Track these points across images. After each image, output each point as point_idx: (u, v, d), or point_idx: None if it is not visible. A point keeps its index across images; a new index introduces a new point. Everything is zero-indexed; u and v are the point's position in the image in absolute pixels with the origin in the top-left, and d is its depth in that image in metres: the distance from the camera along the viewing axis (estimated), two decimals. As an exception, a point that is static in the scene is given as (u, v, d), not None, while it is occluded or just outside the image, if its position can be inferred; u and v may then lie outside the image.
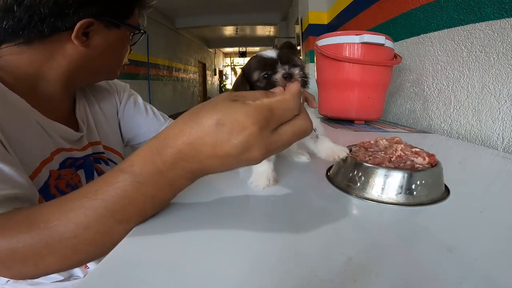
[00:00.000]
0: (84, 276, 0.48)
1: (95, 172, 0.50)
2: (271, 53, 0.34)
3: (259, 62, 0.34)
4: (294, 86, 0.26)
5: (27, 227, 0.26)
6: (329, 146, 0.37)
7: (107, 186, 0.25)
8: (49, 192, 0.41)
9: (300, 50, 3.45)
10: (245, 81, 0.35)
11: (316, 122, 0.38)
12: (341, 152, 0.36)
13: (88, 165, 0.48)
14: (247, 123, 0.23)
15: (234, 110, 0.23)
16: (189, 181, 0.27)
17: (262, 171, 0.36)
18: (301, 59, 0.36)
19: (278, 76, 0.32)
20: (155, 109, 0.67)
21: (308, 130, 0.27)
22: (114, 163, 0.56)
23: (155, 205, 0.27)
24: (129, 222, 0.26)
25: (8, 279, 0.44)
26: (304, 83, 0.33)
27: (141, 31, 0.50)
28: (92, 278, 0.21)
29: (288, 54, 0.34)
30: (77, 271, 0.48)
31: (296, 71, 0.32)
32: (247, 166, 0.28)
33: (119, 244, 0.24)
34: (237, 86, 0.36)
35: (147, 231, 0.27)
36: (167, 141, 0.25)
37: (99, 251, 0.27)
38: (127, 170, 0.25)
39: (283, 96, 0.25)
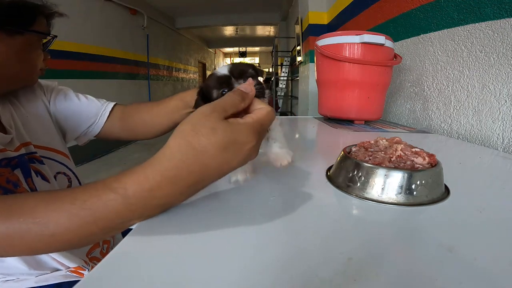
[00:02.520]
0: (66, 269, 0.50)
1: (32, 171, 0.51)
2: (224, 70, 0.35)
3: (215, 81, 0.35)
4: (266, 107, 0.30)
5: (6, 217, 0.26)
6: (274, 152, 0.37)
7: (97, 199, 0.26)
8: None
9: (300, 50, 3.45)
10: (203, 101, 0.37)
11: (275, 124, 0.39)
12: (284, 159, 0.36)
13: (24, 164, 0.49)
14: (248, 139, 0.27)
15: (235, 131, 0.26)
16: (181, 202, 0.29)
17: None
18: (258, 69, 0.38)
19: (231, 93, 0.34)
20: (89, 96, 0.67)
21: (271, 116, 0.31)
22: (51, 160, 0.57)
23: (141, 218, 0.28)
24: (111, 229, 0.27)
25: None
26: (260, 94, 0.34)
27: (49, 35, 0.53)
28: (92, 278, 0.21)
29: (240, 67, 0.35)
30: (59, 266, 0.50)
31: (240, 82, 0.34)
32: None
33: (119, 244, 0.25)
34: (197, 105, 0.38)
35: (147, 231, 0.27)
36: (168, 172, 0.25)
37: (70, 248, 0.29)
38: (119, 192, 0.25)
39: (267, 110, 0.29)
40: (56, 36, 0.55)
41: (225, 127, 0.26)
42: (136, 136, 0.70)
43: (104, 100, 0.68)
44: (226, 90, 0.34)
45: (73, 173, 0.61)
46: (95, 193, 0.26)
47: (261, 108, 0.29)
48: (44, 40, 0.54)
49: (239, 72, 0.34)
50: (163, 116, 0.66)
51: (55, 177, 0.56)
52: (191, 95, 0.61)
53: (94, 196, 0.26)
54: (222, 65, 0.39)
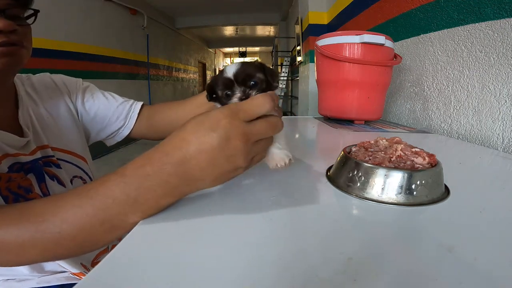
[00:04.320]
0: (69, 273, 0.50)
1: (46, 175, 0.49)
2: (231, 71, 0.35)
3: (221, 81, 0.36)
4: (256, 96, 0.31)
5: (18, 220, 0.27)
6: (272, 152, 0.37)
7: (98, 185, 0.27)
8: (0, 193, 0.41)
9: (300, 50, 3.45)
10: (210, 95, 0.38)
11: None
12: (281, 160, 0.36)
13: (37, 169, 0.48)
14: (220, 116, 0.27)
15: (211, 112, 0.28)
16: (176, 191, 0.28)
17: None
18: (268, 70, 0.37)
19: (235, 99, 0.35)
20: (115, 95, 0.66)
21: (279, 124, 0.31)
22: (68, 163, 0.55)
23: (137, 209, 0.27)
24: (111, 225, 0.27)
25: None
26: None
27: None
28: (92, 278, 0.21)
29: (247, 71, 0.35)
30: (61, 269, 0.49)
31: (253, 93, 0.34)
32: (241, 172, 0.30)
33: (119, 244, 0.24)
34: (208, 98, 0.40)
35: (147, 232, 0.27)
36: (157, 148, 0.28)
37: (78, 249, 0.29)
38: (119, 172, 0.27)
39: (252, 97, 0.30)
40: None
41: (204, 113, 0.29)
42: (163, 135, 0.69)
43: (131, 100, 0.67)
44: (228, 92, 0.35)
45: (90, 177, 0.60)
46: (100, 181, 0.28)
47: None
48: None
49: (244, 77, 0.34)
50: (189, 112, 0.64)
51: (71, 181, 0.55)
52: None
53: (99, 183, 0.27)
54: (233, 62, 0.39)
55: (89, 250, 0.30)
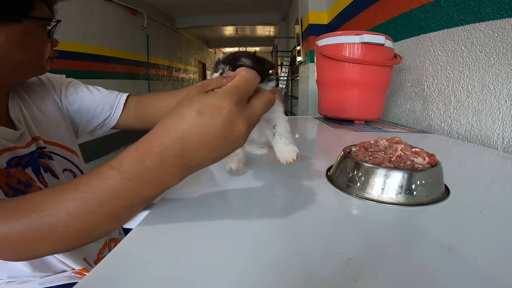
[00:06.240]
0: (72, 271, 0.50)
1: (41, 168, 0.50)
2: (223, 56, 0.41)
3: (216, 63, 0.41)
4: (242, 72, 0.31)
5: (19, 215, 0.27)
6: (280, 149, 0.39)
7: (97, 180, 0.27)
8: (1, 189, 0.42)
9: (300, 50, 3.45)
10: None
11: (281, 120, 0.41)
12: (289, 156, 0.38)
13: (34, 161, 0.49)
14: (223, 103, 0.26)
15: (209, 97, 0.27)
16: (177, 178, 0.28)
17: (234, 154, 0.41)
18: (257, 58, 0.41)
19: (215, 75, 0.39)
20: (100, 88, 0.67)
21: (272, 99, 0.31)
22: (58, 156, 0.56)
23: (142, 201, 0.28)
24: (116, 215, 0.27)
25: (1, 281, 0.45)
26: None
27: (50, 20, 0.49)
28: (92, 278, 0.21)
29: (235, 55, 0.40)
30: (64, 267, 0.49)
31: (226, 68, 0.39)
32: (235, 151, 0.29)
33: (119, 244, 0.25)
34: None
35: (147, 231, 0.27)
36: (154, 140, 0.27)
37: (85, 240, 0.29)
38: (115, 168, 0.27)
39: (240, 74, 0.29)
40: (59, 21, 0.50)
41: (200, 96, 0.27)
42: (153, 125, 0.69)
43: (116, 91, 0.67)
44: (215, 72, 0.40)
45: (80, 171, 0.60)
46: (95, 175, 0.27)
47: (233, 75, 0.31)
48: (49, 27, 0.50)
49: (230, 59, 0.39)
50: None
51: (62, 173, 0.55)
52: (209, 81, 0.64)
53: (95, 177, 0.27)
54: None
55: (96, 239, 0.30)
